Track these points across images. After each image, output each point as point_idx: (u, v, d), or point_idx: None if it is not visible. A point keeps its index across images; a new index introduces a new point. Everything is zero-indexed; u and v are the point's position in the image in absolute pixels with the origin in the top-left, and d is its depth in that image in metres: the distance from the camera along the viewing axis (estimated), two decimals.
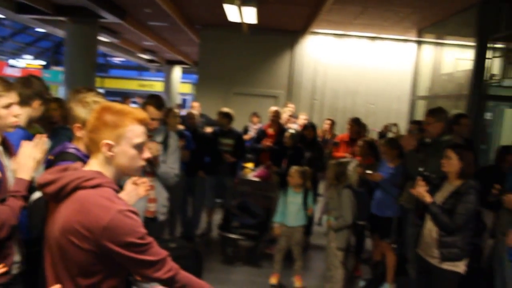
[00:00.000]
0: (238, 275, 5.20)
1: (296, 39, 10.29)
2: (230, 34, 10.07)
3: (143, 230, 1.61)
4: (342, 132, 7.44)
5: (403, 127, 9.13)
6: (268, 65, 10.37)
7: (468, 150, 3.55)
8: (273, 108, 7.01)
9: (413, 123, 5.51)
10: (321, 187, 7.34)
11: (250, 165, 6.92)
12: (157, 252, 1.66)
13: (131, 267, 1.64)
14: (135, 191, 2.20)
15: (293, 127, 6.99)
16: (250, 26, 8.88)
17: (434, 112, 4.33)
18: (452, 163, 3.47)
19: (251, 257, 5.67)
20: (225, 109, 6.41)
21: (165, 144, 3.84)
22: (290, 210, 4.92)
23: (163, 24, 11.38)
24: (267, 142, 6.59)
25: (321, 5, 7.50)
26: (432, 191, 3.56)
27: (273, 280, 4.96)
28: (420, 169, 3.75)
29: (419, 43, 10.02)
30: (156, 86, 25.81)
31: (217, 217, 6.37)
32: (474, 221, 3.53)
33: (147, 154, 1.76)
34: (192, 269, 2.03)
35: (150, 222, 3.49)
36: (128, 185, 2.20)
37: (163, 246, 3.15)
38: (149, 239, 1.63)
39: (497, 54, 7.78)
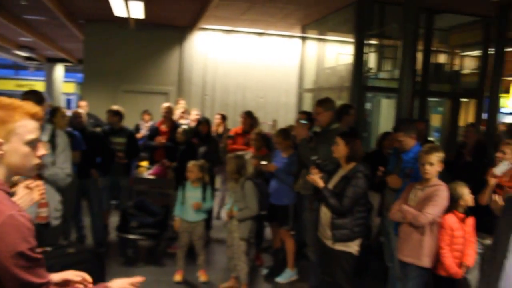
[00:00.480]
0: (141, 276, 5.01)
1: (185, 35, 10.22)
2: (116, 30, 9.69)
3: (34, 242, 1.46)
4: (234, 126, 7.56)
5: (292, 118, 9.53)
6: (158, 62, 10.17)
7: (354, 136, 3.81)
8: (166, 104, 6.91)
9: (302, 113, 5.79)
10: (217, 182, 7.39)
11: (144, 163, 6.76)
12: (42, 274, 1.49)
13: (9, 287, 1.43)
14: (28, 195, 2.05)
15: (185, 123, 6.95)
16: (137, 21, 8.64)
17: (323, 102, 4.54)
18: (340, 149, 3.72)
19: (153, 257, 5.55)
20: (115, 107, 6.18)
21: (52, 143, 3.59)
22: (190, 205, 4.90)
23: (42, 18, 10.59)
24: (160, 139, 6.49)
25: (208, 0, 7.53)
26: (328, 177, 3.79)
27: (178, 277, 4.92)
28: (313, 157, 3.94)
29: (304, 39, 10.50)
30: (36, 86, 23.93)
31: (114, 219, 6.11)
32: (365, 203, 3.77)
33: (41, 152, 1.63)
34: (94, 273, 1.95)
35: (43, 229, 3.26)
36: (21, 189, 2.04)
37: (60, 252, 2.99)
38: (39, 255, 1.47)
39: (373, 49, 8.46)
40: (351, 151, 3.69)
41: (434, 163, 3.53)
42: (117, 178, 6.02)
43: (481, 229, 3.78)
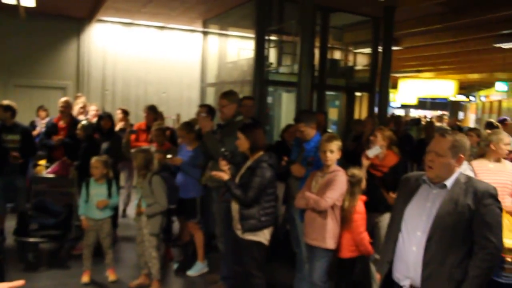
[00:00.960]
0: (45, 280, 4.77)
1: (83, 27, 9.72)
2: (4, 19, 8.92)
3: None
4: (137, 121, 7.41)
5: (195, 113, 9.55)
6: (53, 55, 9.57)
7: (255, 127, 3.95)
8: (63, 99, 6.60)
9: (201, 106, 5.91)
10: (122, 179, 7.21)
11: (42, 161, 6.41)
12: None
13: None
14: None
15: (84, 119, 6.69)
16: (29, 9, 8.06)
17: (227, 95, 4.63)
18: (241, 142, 3.86)
19: (57, 260, 5.30)
20: (6, 102, 5.77)
21: None
22: (95, 202, 4.75)
23: None
24: (58, 137, 6.20)
25: None
26: (237, 169, 3.91)
27: (85, 279, 4.76)
28: (222, 149, 4.03)
29: (205, 33, 10.52)
30: None
31: (11, 224, 5.67)
32: (273, 192, 3.89)
33: None
34: None
35: None
36: None
37: None
38: None
39: (273, 44, 8.74)
40: (252, 142, 3.83)
41: (334, 150, 3.78)
42: (12, 178, 5.66)
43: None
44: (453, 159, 2.59)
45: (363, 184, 4.02)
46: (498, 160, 4.49)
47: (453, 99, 21.33)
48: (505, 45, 9.82)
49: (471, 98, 24.31)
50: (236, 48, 9.62)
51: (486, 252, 2.48)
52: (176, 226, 6.17)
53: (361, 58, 10.34)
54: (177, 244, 5.91)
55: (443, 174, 2.60)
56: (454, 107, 24.46)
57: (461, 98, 23.53)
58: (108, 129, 6.18)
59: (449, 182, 2.60)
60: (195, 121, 5.53)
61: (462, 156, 2.61)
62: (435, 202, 2.60)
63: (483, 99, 21.75)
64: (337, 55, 9.74)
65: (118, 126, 7.01)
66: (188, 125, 5.20)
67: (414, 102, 21.33)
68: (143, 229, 4.62)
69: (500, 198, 3.99)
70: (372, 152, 4.31)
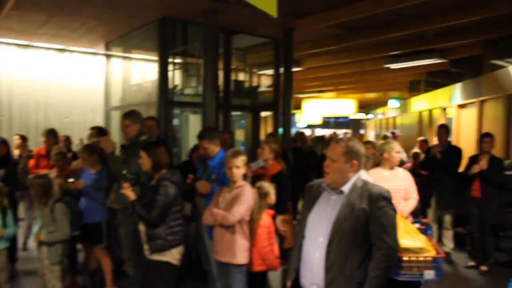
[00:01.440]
0: None
1: None
2: None
3: None
4: (38, 147, 7.03)
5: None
6: None
7: (157, 145, 3.92)
8: None
9: (92, 128, 5.83)
10: (21, 209, 6.78)
11: None
12: None
13: None
14: None
15: None
16: None
17: (130, 115, 4.59)
18: (144, 161, 3.83)
19: None
20: None
21: None
22: None
23: None
24: None
25: None
26: (142, 189, 3.86)
27: None
28: (124, 171, 3.96)
29: (108, 56, 10.30)
30: None
31: None
32: (179, 210, 3.86)
33: None
34: None
35: None
36: None
37: None
38: None
39: (178, 66, 8.78)
40: (155, 161, 3.81)
41: (240, 166, 3.87)
42: None
43: None
44: (346, 164, 2.70)
45: (271, 198, 4.13)
46: (392, 168, 4.83)
47: (353, 117, 22.63)
48: (394, 66, 10.68)
49: (370, 115, 25.97)
50: (141, 70, 9.52)
51: (382, 253, 2.60)
52: (82, 253, 5.90)
53: (265, 79, 10.68)
54: (84, 272, 5.65)
55: (338, 179, 2.72)
56: (355, 124, 25.98)
57: (361, 116, 25.08)
58: (3, 155, 5.83)
59: (346, 188, 2.71)
60: (97, 144, 5.38)
61: (355, 161, 2.72)
62: (334, 208, 2.69)
63: (380, 116, 23.30)
64: (241, 76, 9.99)
65: (16, 152, 6.62)
66: (89, 148, 5.04)
67: (319, 121, 22.38)
68: (45, 260, 4.37)
69: (395, 202, 4.33)
70: (255, 165, 4.90)
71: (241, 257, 3.85)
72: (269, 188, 4.11)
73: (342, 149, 2.73)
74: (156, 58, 7.87)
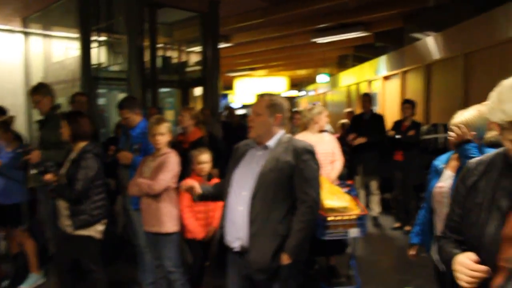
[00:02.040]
0: None
1: None
2: None
3: None
4: None
5: (21, 119, 8.80)
6: None
7: (79, 115, 3.79)
8: None
9: None
10: None
11: None
12: None
13: None
14: None
15: None
16: None
17: (37, 90, 4.44)
18: (64, 130, 3.68)
19: None
20: None
21: None
22: None
23: None
24: None
25: None
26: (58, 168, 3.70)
27: None
28: (47, 163, 3.75)
29: (26, 33, 9.72)
30: None
31: None
32: (101, 184, 3.75)
33: None
34: None
35: None
36: None
37: None
38: None
39: (102, 42, 8.46)
40: (75, 130, 3.67)
41: (164, 133, 3.79)
42: None
43: None
44: (271, 118, 2.74)
45: (203, 168, 4.09)
46: (319, 132, 4.93)
47: (286, 94, 22.93)
48: (321, 40, 10.86)
49: (302, 93, 26.43)
50: (63, 47, 9.07)
51: (306, 205, 2.65)
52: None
53: (192, 54, 10.54)
54: (6, 258, 5.36)
55: (263, 133, 2.74)
56: (288, 102, 26.32)
57: (294, 93, 25.46)
58: None
59: (271, 143, 2.75)
60: (10, 120, 5.09)
61: (279, 115, 2.76)
62: (259, 163, 2.70)
63: (311, 93, 23.77)
64: (168, 52, 9.78)
65: None
66: (4, 124, 4.75)
67: (252, 100, 22.45)
68: None
69: (323, 166, 4.44)
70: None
71: (170, 225, 3.80)
72: (201, 156, 4.06)
73: (266, 102, 2.76)
74: (77, 34, 7.53)
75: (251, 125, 2.76)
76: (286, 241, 2.64)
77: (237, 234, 2.70)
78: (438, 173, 2.85)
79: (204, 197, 2.99)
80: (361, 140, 6.73)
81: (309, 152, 2.72)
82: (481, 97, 4.91)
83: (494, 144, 2.84)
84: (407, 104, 6.65)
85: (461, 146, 2.59)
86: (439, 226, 2.79)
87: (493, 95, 1.37)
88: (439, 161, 2.90)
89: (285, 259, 2.64)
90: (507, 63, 5.90)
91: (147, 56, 7.80)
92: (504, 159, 1.47)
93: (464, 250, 1.57)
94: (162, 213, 3.77)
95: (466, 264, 1.45)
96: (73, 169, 3.60)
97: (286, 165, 2.65)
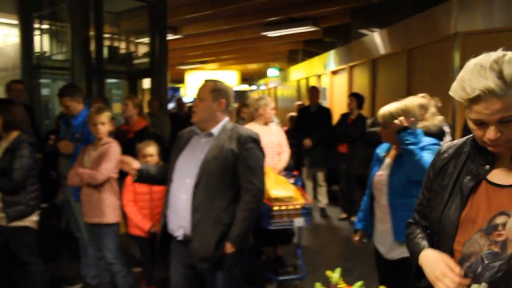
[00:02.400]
0: None
1: None
2: None
3: None
4: None
5: None
6: None
7: (10, 103, 3.68)
8: None
9: None
10: None
11: None
12: None
13: None
14: None
15: None
16: None
17: None
18: None
19: None
20: None
21: None
22: None
23: None
24: None
25: None
26: None
27: None
28: None
29: None
30: None
31: None
32: (36, 174, 3.67)
33: None
34: None
35: None
36: None
37: None
38: None
39: (45, 30, 8.15)
40: (6, 119, 3.54)
41: (105, 122, 3.70)
42: None
43: None
44: (214, 103, 2.69)
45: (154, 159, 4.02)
46: (265, 124, 4.94)
47: (237, 89, 22.93)
48: (271, 34, 10.93)
49: (253, 87, 26.53)
50: (1, 34, 8.67)
51: (250, 194, 2.64)
52: None
53: (141, 45, 10.35)
54: None
55: (206, 118, 2.69)
56: (240, 96, 26.35)
57: (245, 87, 25.52)
58: None
59: (215, 130, 2.70)
60: None
61: (223, 100, 2.72)
62: (203, 150, 2.66)
63: (263, 87, 23.89)
64: (115, 42, 9.55)
65: None
66: None
67: None
68: None
69: (270, 157, 4.46)
70: None
71: (111, 216, 3.73)
72: (147, 149, 3.96)
73: (210, 87, 2.72)
74: (17, 20, 7.22)
75: (194, 110, 2.72)
76: (229, 230, 2.62)
77: (180, 223, 2.66)
78: (379, 161, 2.93)
79: (145, 178, 2.89)
80: (308, 142, 6.81)
81: (254, 140, 2.70)
82: (423, 91, 5.08)
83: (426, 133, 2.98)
84: (353, 97, 6.80)
85: (399, 134, 2.67)
86: (378, 213, 2.88)
87: (458, 75, 1.40)
88: (380, 150, 2.98)
89: (229, 248, 2.63)
90: (447, 59, 6.14)
91: (92, 46, 7.59)
92: (472, 143, 1.49)
93: (431, 239, 1.58)
94: (103, 203, 3.70)
95: (448, 274, 1.41)
96: (8, 158, 3.47)
97: (230, 153, 2.62)
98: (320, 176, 7.21)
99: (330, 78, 11.72)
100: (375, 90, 8.78)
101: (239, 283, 2.77)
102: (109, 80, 8.68)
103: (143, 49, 10.05)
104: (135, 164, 2.79)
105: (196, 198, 2.59)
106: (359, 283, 1.37)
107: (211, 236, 2.60)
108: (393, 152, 2.86)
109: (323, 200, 7.29)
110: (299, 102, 10.23)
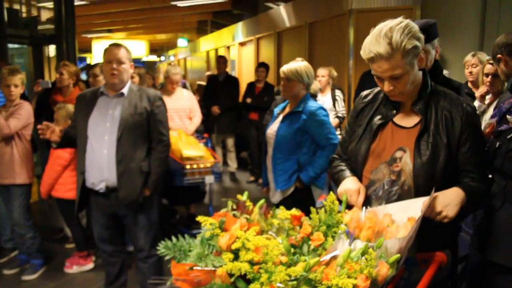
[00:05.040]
0: None
1: None
2: None
3: None
4: None
5: None
6: None
7: None
8: None
9: None
10: None
11: None
12: None
13: None
14: None
15: None
16: None
17: None
18: None
19: None
20: None
21: None
22: None
23: None
24: None
25: None
26: None
27: None
28: None
29: None
30: None
31: None
32: None
33: None
34: None
35: None
36: None
37: None
38: None
39: None
40: None
41: (18, 84, 3.77)
42: None
43: None
44: (129, 66, 2.99)
45: None
46: (172, 87, 5.09)
47: (146, 59, 22.55)
48: (180, 3, 10.99)
49: (162, 58, 26.20)
50: None
51: (163, 144, 3.08)
52: None
53: (46, 10, 9.93)
54: None
55: (124, 80, 2.97)
56: (149, 67, 25.90)
57: (154, 58, 25.13)
58: None
59: (125, 90, 2.99)
60: None
61: (132, 64, 3.05)
62: (116, 108, 2.95)
63: (172, 58, 23.70)
64: (16, 4, 9.07)
65: None
66: None
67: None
68: None
69: (182, 120, 4.80)
70: (42, 84, 4.67)
71: (23, 177, 3.84)
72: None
73: (126, 52, 2.97)
74: None
75: (114, 73, 2.92)
76: (148, 177, 3.01)
77: (102, 176, 2.94)
78: (274, 118, 3.37)
79: (66, 142, 3.13)
80: (216, 109, 7.12)
81: (160, 99, 3.11)
82: (323, 63, 5.60)
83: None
84: (261, 68, 7.17)
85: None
86: (268, 164, 3.34)
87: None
88: (277, 108, 3.41)
89: (147, 192, 3.03)
90: (342, 34, 6.75)
91: None
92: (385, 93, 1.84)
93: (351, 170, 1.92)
94: (15, 164, 3.80)
95: (350, 195, 1.77)
96: None
97: (143, 110, 2.99)
98: (229, 142, 7.59)
99: (238, 49, 12.08)
100: (280, 60, 9.29)
101: (156, 222, 3.16)
102: (11, 46, 8.26)
103: (48, 14, 9.65)
104: (57, 128, 3.02)
105: (119, 151, 2.91)
106: (261, 201, 1.71)
107: (136, 183, 2.97)
108: (286, 110, 3.29)
109: (233, 164, 7.71)
110: (209, 73, 10.50)
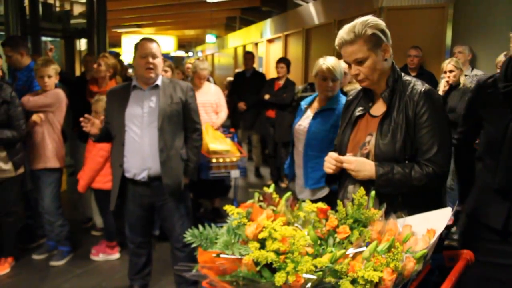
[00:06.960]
0: None
1: None
2: None
3: None
4: None
5: None
6: None
7: None
8: None
9: None
10: None
11: None
12: None
13: None
14: None
15: None
16: None
17: None
18: None
19: None
20: None
21: None
22: None
23: None
24: None
25: None
26: None
27: None
28: None
29: None
30: None
31: None
32: None
33: None
34: None
35: None
36: None
37: None
38: None
39: None
40: None
41: (52, 75, 3.86)
42: None
43: None
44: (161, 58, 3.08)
45: None
46: (200, 82, 5.13)
47: (174, 54, 22.74)
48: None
49: (190, 54, 26.38)
50: None
51: (198, 133, 3.23)
52: None
53: (79, 5, 10.13)
54: None
55: (159, 73, 3.06)
56: (177, 63, 26.13)
57: (182, 54, 25.32)
58: None
59: (159, 82, 3.08)
60: None
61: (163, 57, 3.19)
62: (151, 99, 3.04)
63: (199, 54, 23.85)
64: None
65: None
66: None
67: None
68: None
69: (209, 114, 4.87)
70: None
71: (54, 161, 3.95)
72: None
73: (158, 47, 3.06)
74: None
75: (150, 67, 2.98)
76: (187, 165, 3.16)
77: (144, 165, 3.02)
78: (301, 112, 3.35)
79: (103, 136, 3.21)
80: (242, 105, 7.12)
81: (192, 89, 3.23)
82: None
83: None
84: (281, 63, 6.91)
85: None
86: (297, 159, 3.32)
87: None
88: (304, 102, 3.40)
89: (185, 180, 3.16)
90: None
91: (26, 1, 7.41)
92: (364, 88, 2.02)
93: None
94: (47, 149, 3.91)
95: (328, 157, 1.99)
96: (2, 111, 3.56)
97: (179, 100, 3.10)
98: (255, 138, 7.60)
99: (266, 46, 12.09)
100: (308, 58, 9.26)
101: (191, 212, 3.29)
102: (44, 39, 8.45)
103: (80, 8, 9.84)
104: (97, 121, 3.09)
105: (161, 140, 3.00)
106: (288, 193, 1.74)
107: (178, 171, 3.10)
108: (315, 105, 3.26)
109: (258, 160, 7.72)
110: (238, 70, 10.53)
